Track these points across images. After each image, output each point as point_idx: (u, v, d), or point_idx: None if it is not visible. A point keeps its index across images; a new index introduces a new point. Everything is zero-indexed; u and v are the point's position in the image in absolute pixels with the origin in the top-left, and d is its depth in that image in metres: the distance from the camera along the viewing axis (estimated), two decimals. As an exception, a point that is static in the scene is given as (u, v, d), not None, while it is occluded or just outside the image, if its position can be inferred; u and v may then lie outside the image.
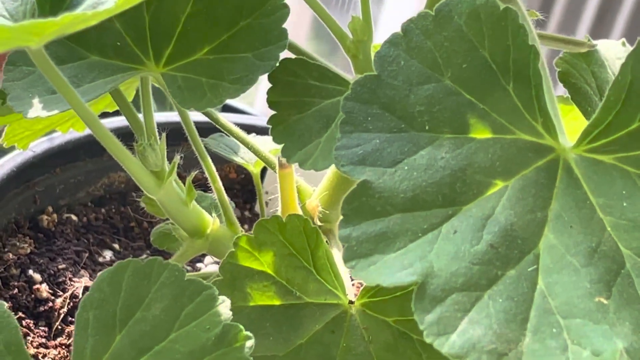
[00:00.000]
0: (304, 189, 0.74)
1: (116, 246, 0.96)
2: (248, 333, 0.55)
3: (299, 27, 1.77)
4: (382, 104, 0.53)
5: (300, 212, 0.73)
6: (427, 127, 0.52)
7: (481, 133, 0.53)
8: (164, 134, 0.66)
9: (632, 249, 0.50)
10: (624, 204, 0.51)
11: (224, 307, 0.56)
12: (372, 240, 0.50)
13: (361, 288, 0.64)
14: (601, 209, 0.52)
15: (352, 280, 0.67)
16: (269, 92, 0.63)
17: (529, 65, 0.52)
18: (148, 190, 0.66)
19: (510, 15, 0.52)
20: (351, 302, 0.63)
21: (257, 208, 1.05)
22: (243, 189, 1.09)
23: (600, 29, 2.09)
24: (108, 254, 0.94)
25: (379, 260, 0.50)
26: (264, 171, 0.89)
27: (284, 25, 0.58)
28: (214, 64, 0.59)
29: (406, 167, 0.52)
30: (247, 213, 1.06)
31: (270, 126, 0.62)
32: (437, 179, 0.51)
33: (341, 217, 0.51)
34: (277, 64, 0.62)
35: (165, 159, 0.66)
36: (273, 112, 0.63)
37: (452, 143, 0.52)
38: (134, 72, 0.61)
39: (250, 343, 0.55)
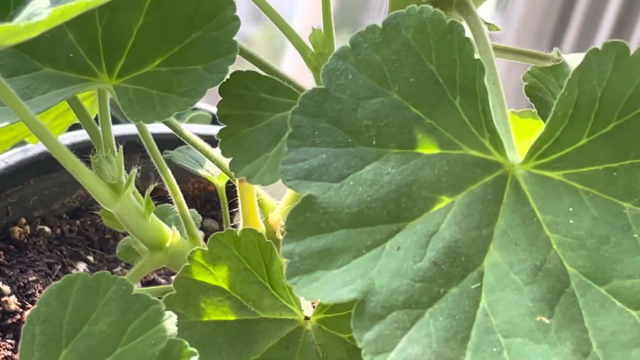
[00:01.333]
0: (266, 203, 0.73)
1: (90, 258, 0.95)
2: (193, 349, 0.54)
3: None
4: (329, 118, 0.52)
5: (262, 226, 0.73)
6: (374, 142, 0.52)
7: (428, 148, 0.52)
8: (121, 147, 0.66)
9: (577, 268, 0.50)
10: (571, 221, 0.51)
11: (170, 322, 0.55)
12: (315, 256, 0.50)
13: (317, 304, 0.63)
14: (548, 226, 0.51)
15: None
16: (219, 105, 0.62)
17: (475, 80, 0.51)
18: (104, 203, 0.65)
19: (455, 29, 0.51)
20: (307, 318, 0.63)
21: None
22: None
23: (623, 29, 2.08)
24: (82, 266, 0.94)
25: (321, 276, 0.49)
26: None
27: (234, 38, 0.57)
28: (165, 77, 0.58)
29: (352, 182, 0.51)
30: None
31: (219, 139, 0.62)
32: (382, 195, 0.51)
33: (285, 233, 0.50)
34: (229, 77, 0.61)
35: (123, 172, 0.66)
36: (223, 126, 0.62)
37: (398, 158, 0.52)
38: (86, 84, 0.61)
39: (194, 359, 0.54)
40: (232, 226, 0.69)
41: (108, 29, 0.60)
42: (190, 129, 0.78)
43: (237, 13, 0.60)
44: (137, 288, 0.56)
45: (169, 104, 0.57)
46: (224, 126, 0.62)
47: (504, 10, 2.19)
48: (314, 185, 0.51)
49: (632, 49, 0.51)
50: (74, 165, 0.62)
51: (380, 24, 0.53)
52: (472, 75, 0.52)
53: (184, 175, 1.03)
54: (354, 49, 0.53)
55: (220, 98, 0.62)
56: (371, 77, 0.52)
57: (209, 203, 1.06)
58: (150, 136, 0.71)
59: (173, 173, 0.76)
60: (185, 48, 0.58)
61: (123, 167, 0.66)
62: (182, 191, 0.94)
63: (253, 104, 0.62)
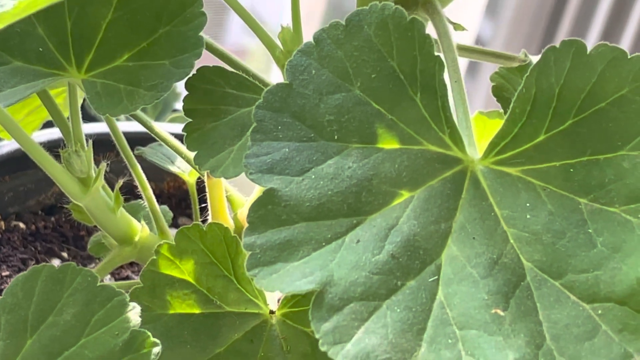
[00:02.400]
0: (235, 199, 0.74)
1: (64, 255, 0.96)
2: (155, 340, 0.54)
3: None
4: (292, 113, 0.53)
5: (230, 222, 0.73)
6: (336, 137, 0.52)
7: (389, 143, 0.53)
8: (90, 142, 0.66)
9: (533, 262, 0.50)
10: (528, 216, 0.51)
11: (134, 313, 0.56)
12: (275, 248, 0.50)
13: (282, 298, 0.63)
14: (505, 221, 0.52)
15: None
16: (185, 99, 0.63)
17: (434, 76, 0.52)
18: (73, 196, 0.66)
19: (416, 25, 0.52)
20: (272, 312, 0.63)
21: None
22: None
23: (612, 34, 2.09)
24: (56, 262, 0.94)
25: (281, 268, 0.50)
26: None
27: (201, 33, 0.58)
28: (133, 71, 0.59)
29: (313, 176, 0.51)
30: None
31: (185, 133, 0.62)
32: (343, 189, 0.51)
33: (246, 225, 0.51)
34: (195, 72, 0.62)
35: (92, 166, 0.66)
36: (188, 120, 0.62)
37: (359, 153, 0.52)
38: (55, 78, 0.61)
39: (157, 350, 0.54)
40: (202, 221, 0.69)
41: (77, 24, 0.61)
42: (167, 129, 0.79)
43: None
44: (108, 283, 0.56)
45: (135, 98, 0.57)
46: (190, 120, 0.63)
47: (493, 15, 2.20)
48: (276, 179, 0.51)
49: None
50: (43, 159, 0.62)
51: (343, 21, 0.53)
52: (432, 72, 0.52)
53: (159, 174, 1.03)
54: (317, 45, 0.53)
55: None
56: (334, 73, 0.53)
57: (184, 202, 1.07)
58: (120, 132, 0.71)
59: (148, 172, 0.77)
60: (152, 43, 0.59)
61: (92, 161, 0.66)
62: (157, 189, 0.96)
63: (219, 99, 0.63)
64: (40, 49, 0.61)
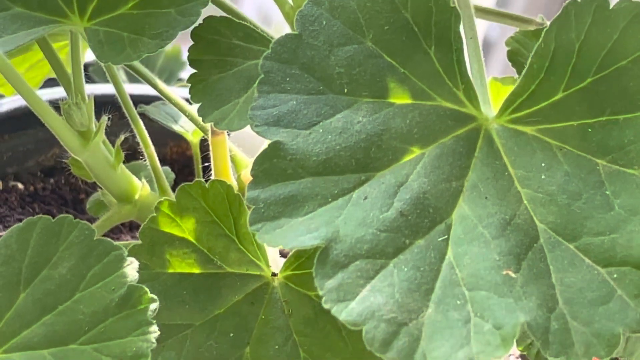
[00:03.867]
0: (240, 160, 0.72)
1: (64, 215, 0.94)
2: (153, 296, 0.53)
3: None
4: (301, 65, 0.51)
5: (234, 182, 0.71)
6: (345, 90, 0.51)
7: (400, 98, 0.51)
8: (92, 95, 0.64)
9: (547, 223, 0.48)
10: (543, 177, 0.50)
11: (131, 268, 0.54)
12: (280, 203, 0.48)
13: (285, 261, 0.62)
14: (519, 181, 0.50)
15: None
16: (191, 49, 0.61)
17: (450, 29, 0.50)
18: (73, 150, 0.64)
19: (432, -25, 0.50)
20: (274, 275, 0.61)
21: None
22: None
23: None
24: (54, 225, 0.92)
25: (285, 223, 0.48)
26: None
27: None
28: (137, 19, 0.57)
29: (321, 130, 0.50)
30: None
31: (189, 84, 0.60)
32: (351, 144, 0.50)
33: (250, 178, 0.49)
34: (202, 22, 0.60)
35: (93, 120, 0.64)
36: (194, 71, 0.61)
37: (370, 107, 0.51)
38: (56, 25, 0.59)
39: (154, 306, 0.53)
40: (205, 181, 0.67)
41: (81, -30, 0.59)
42: (172, 90, 0.77)
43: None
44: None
45: (139, 46, 0.56)
46: (195, 71, 0.61)
47: (504, 8, 2.17)
48: (282, 132, 0.50)
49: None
50: (43, 111, 0.61)
51: (358, -30, 0.51)
52: (448, 24, 0.50)
53: (163, 139, 1.02)
54: (329, -6, 0.51)
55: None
56: (345, 24, 0.51)
57: (187, 168, 1.05)
58: (124, 88, 0.69)
59: (152, 136, 0.75)
60: (158, -9, 0.57)
61: (93, 115, 0.64)
62: (160, 154, 0.93)
63: (225, 50, 0.61)
64: (42, -5, 0.59)
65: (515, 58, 0.70)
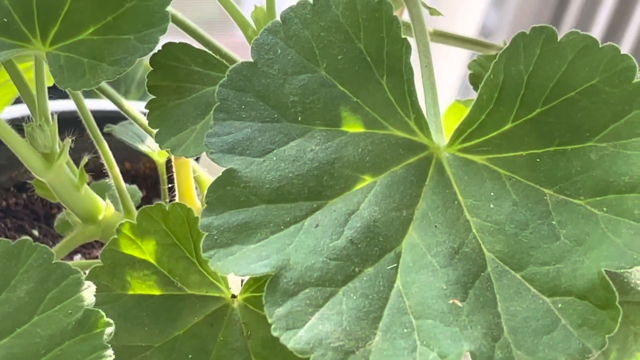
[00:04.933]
0: (204, 180, 0.73)
1: (35, 232, 0.95)
2: (109, 320, 0.53)
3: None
4: (256, 93, 0.51)
5: (197, 203, 0.72)
6: (299, 118, 0.51)
7: (353, 127, 0.51)
8: (55, 116, 0.65)
9: (494, 252, 0.49)
10: (491, 206, 0.50)
11: (89, 292, 0.54)
12: (233, 230, 0.49)
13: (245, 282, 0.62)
14: (468, 210, 0.50)
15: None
16: (149, 76, 0.62)
17: (401, 59, 0.51)
18: (36, 172, 0.64)
19: (384, 7, 0.51)
20: (234, 296, 0.62)
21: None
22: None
23: (617, 26, 2.08)
24: (26, 240, 0.92)
25: (238, 250, 0.49)
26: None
27: (167, 9, 0.56)
28: (97, 45, 0.57)
29: (275, 158, 0.50)
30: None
31: (147, 111, 0.61)
32: (304, 172, 0.50)
33: (204, 206, 0.50)
34: (161, 48, 0.61)
35: (57, 141, 0.65)
36: (152, 97, 0.61)
37: (323, 135, 0.51)
38: (19, 50, 0.60)
39: (109, 330, 0.53)
40: (170, 202, 0.68)
41: (43, -5, 0.60)
42: (139, 107, 0.78)
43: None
44: (64, 261, 0.55)
45: (98, 72, 0.56)
46: (153, 97, 0.61)
47: (498, 6, 2.18)
48: (237, 159, 0.50)
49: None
50: (5, 132, 0.61)
51: (311, 0, 0.52)
52: (399, 55, 0.51)
53: (135, 154, 1.02)
54: (284, 23, 0.52)
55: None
56: (300, 53, 0.52)
57: (159, 184, 1.05)
58: (87, 108, 0.70)
59: (124, 152, 0.76)
60: (118, 17, 0.57)
61: (57, 137, 0.65)
62: (133, 170, 0.94)
63: (184, 76, 0.62)
64: (5, 20, 0.60)
65: (477, 81, 0.71)
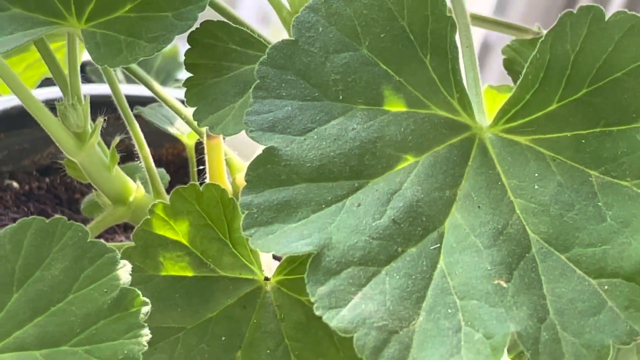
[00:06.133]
0: (235, 163, 0.72)
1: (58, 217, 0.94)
2: (145, 299, 0.53)
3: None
4: (297, 71, 0.51)
5: (228, 186, 0.71)
6: (341, 97, 0.51)
7: (395, 106, 0.51)
8: (88, 96, 0.64)
9: (539, 234, 0.49)
10: (535, 187, 0.50)
11: (124, 271, 0.54)
12: (273, 208, 0.49)
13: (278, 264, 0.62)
14: (512, 191, 0.50)
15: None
16: (187, 53, 0.61)
17: (446, 38, 0.50)
18: (68, 151, 0.64)
19: (429, -16, 0.50)
20: (267, 279, 0.61)
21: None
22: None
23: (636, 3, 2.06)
24: (49, 224, 0.92)
25: (278, 229, 0.48)
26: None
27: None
28: (134, 22, 0.57)
29: (316, 137, 0.50)
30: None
31: (185, 88, 0.60)
32: (346, 150, 0.50)
33: (244, 184, 0.49)
34: (199, 26, 0.60)
35: (89, 121, 0.64)
36: (190, 75, 0.61)
37: (364, 114, 0.51)
38: (54, 27, 0.59)
39: (146, 309, 0.53)
40: (200, 184, 0.67)
41: (79, -28, 0.59)
42: (168, 92, 0.77)
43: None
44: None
45: (136, 49, 0.56)
46: (191, 75, 0.61)
47: (504, 9, 2.17)
48: (277, 138, 0.50)
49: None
50: (39, 111, 0.61)
51: (353, -23, 0.51)
52: (444, 33, 0.51)
53: (158, 140, 1.02)
54: (326, 1, 0.52)
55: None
56: (342, 31, 0.51)
57: (182, 169, 1.05)
58: (120, 90, 0.69)
59: (147, 137, 0.75)
60: (156, -6, 0.57)
61: (89, 117, 0.64)
62: (156, 155, 0.94)
63: (222, 54, 0.61)
64: (41, -4, 0.59)
65: (511, 66, 0.70)
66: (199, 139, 0.78)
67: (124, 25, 0.57)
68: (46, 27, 0.59)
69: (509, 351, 0.62)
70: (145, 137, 0.75)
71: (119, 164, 0.69)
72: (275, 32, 0.66)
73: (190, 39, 0.61)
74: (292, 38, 0.51)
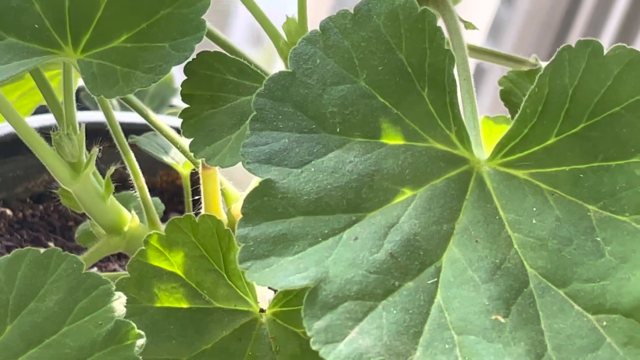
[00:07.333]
0: (230, 194, 0.72)
1: (51, 244, 0.94)
2: (140, 331, 0.52)
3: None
4: (294, 103, 0.51)
5: (224, 216, 0.71)
6: (338, 129, 0.51)
7: (393, 139, 0.51)
8: (83, 125, 0.64)
9: (537, 269, 0.48)
10: (533, 221, 0.49)
11: (119, 303, 0.53)
12: (270, 241, 0.48)
13: (273, 297, 0.61)
14: (510, 225, 0.50)
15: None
16: (183, 84, 0.61)
17: (444, 71, 0.50)
18: (63, 181, 0.64)
19: (427, 17, 0.50)
20: (262, 311, 0.61)
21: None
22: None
23: (628, 31, 2.06)
24: (42, 252, 0.92)
25: (275, 262, 0.48)
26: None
27: (203, 17, 0.56)
28: (131, 53, 0.57)
29: (313, 169, 0.50)
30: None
31: (181, 119, 0.60)
32: (343, 183, 0.49)
33: (240, 217, 0.49)
34: (195, 57, 0.60)
35: (84, 151, 0.64)
36: (186, 106, 0.60)
37: (362, 147, 0.50)
38: (50, 57, 0.59)
39: (141, 342, 0.52)
40: (195, 215, 0.67)
41: (75, 2, 0.59)
42: (163, 120, 0.77)
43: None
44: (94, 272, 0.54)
45: (132, 80, 0.55)
46: (187, 106, 0.61)
47: (509, 4, 2.17)
48: (274, 170, 0.50)
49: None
50: (34, 140, 0.60)
51: (351, 10, 0.51)
52: (442, 66, 0.50)
53: (152, 167, 1.01)
54: (323, 33, 0.51)
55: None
56: (339, 63, 0.51)
57: (176, 197, 1.05)
58: (115, 118, 0.69)
59: (141, 165, 0.75)
60: (152, 25, 0.57)
61: (84, 146, 0.64)
62: (150, 183, 0.93)
63: (218, 85, 0.61)
64: (36, 26, 0.59)
65: (508, 98, 0.70)
66: (194, 168, 0.78)
67: (121, 56, 0.57)
68: (42, 57, 0.59)
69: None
70: (139, 164, 0.75)
71: (113, 193, 0.68)
72: (268, 54, 0.66)
73: (186, 70, 0.61)
74: (289, 70, 0.51)
